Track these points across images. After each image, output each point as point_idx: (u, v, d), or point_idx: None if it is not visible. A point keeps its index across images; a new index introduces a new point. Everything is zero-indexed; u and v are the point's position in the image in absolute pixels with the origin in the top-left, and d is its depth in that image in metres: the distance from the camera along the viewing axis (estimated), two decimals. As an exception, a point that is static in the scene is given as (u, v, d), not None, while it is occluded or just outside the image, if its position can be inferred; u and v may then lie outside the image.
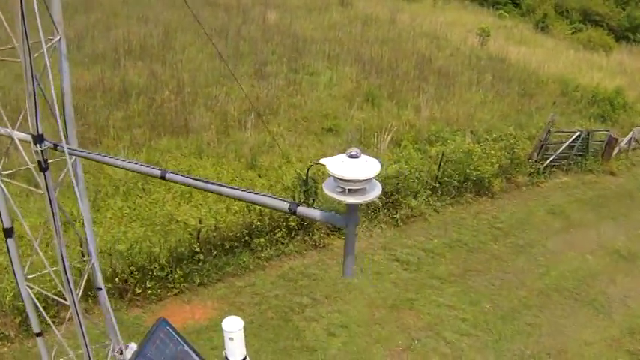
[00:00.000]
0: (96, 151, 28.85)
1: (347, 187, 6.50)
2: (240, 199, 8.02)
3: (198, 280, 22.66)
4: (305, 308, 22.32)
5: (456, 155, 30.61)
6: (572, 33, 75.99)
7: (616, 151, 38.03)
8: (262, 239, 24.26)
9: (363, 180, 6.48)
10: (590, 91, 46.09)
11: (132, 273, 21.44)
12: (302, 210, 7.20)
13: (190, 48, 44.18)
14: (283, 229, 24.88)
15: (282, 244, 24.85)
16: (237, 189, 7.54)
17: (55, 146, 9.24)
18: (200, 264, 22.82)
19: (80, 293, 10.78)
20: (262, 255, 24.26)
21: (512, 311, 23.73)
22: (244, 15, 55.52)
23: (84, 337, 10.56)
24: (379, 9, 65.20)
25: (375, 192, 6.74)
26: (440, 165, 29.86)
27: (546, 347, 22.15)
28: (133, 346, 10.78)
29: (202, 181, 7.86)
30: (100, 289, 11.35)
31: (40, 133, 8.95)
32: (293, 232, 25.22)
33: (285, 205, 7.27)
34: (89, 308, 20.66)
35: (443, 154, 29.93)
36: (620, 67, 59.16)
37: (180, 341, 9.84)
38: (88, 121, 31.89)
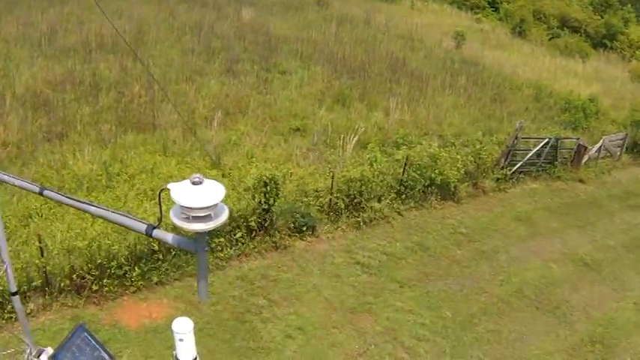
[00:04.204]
0: (62, 146, 28.82)
1: (191, 214, 6.47)
2: (104, 219, 8.10)
3: (156, 279, 22.36)
4: (262, 309, 22.08)
5: (421, 159, 30.41)
6: (550, 38, 76.27)
7: (585, 158, 38.07)
8: (222, 239, 24.02)
9: (206, 207, 6.45)
10: (564, 98, 46.13)
11: (90, 270, 21.14)
12: (157, 233, 7.31)
13: (163, 44, 44.00)
14: (243, 229, 24.61)
15: (242, 244, 24.50)
16: (103, 208, 7.61)
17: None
18: (159, 263, 22.53)
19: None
20: (222, 255, 23.96)
21: (472, 317, 23.58)
22: (219, 12, 55.46)
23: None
24: (356, 9, 65.36)
25: (222, 217, 6.75)
26: (404, 168, 29.68)
27: (505, 355, 22.05)
28: (49, 350, 10.61)
29: (75, 200, 7.96)
30: (15, 293, 11.18)
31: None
32: (253, 233, 24.96)
33: (142, 227, 7.32)
34: (46, 304, 20.55)
35: (407, 158, 29.77)
36: (596, 74, 59.47)
37: (97, 347, 9.68)
38: (56, 115, 31.61)
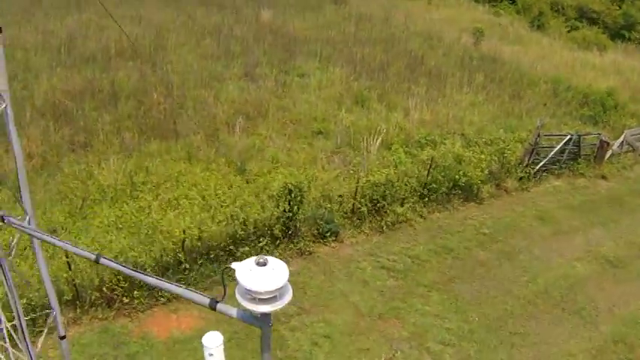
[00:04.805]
0: (87, 157, 28.96)
1: (257, 297, 6.63)
2: (167, 290, 8.27)
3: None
4: (290, 318, 22.20)
5: (446, 160, 30.45)
6: (568, 31, 75.70)
7: (608, 154, 37.82)
8: (247, 248, 24.09)
9: (272, 290, 6.61)
10: (582, 92, 45.81)
11: (119, 282, 21.32)
12: (221, 307, 7.45)
13: (182, 48, 44.12)
14: (268, 238, 24.73)
15: (267, 252, 24.46)
16: (164, 281, 7.79)
17: (2, 218, 9.38)
18: (186, 273, 22.71)
19: (40, 346, 10.83)
20: (248, 264, 24.00)
21: (498, 320, 23.64)
22: (237, 14, 55.42)
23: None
24: (373, 7, 64.95)
25: (286, 297, 6.87)
26: (429, 170, 29.63)
27: (530, 358, 22.08)
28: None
29: (132, 270, 8.13)
30: (63, 337, 11.37)
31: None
32: (278, 241, 25.11)
33: (206, 301, 7.49)
34: (77, 317, 20.77)
35: (432, 160, 29.77)
36: (615, 67, 58.76)
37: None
38: (77, 125, 31.76)
